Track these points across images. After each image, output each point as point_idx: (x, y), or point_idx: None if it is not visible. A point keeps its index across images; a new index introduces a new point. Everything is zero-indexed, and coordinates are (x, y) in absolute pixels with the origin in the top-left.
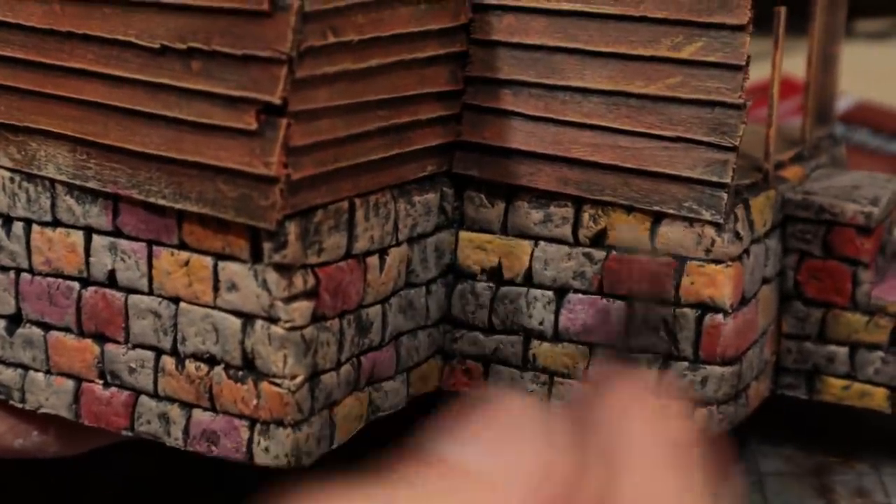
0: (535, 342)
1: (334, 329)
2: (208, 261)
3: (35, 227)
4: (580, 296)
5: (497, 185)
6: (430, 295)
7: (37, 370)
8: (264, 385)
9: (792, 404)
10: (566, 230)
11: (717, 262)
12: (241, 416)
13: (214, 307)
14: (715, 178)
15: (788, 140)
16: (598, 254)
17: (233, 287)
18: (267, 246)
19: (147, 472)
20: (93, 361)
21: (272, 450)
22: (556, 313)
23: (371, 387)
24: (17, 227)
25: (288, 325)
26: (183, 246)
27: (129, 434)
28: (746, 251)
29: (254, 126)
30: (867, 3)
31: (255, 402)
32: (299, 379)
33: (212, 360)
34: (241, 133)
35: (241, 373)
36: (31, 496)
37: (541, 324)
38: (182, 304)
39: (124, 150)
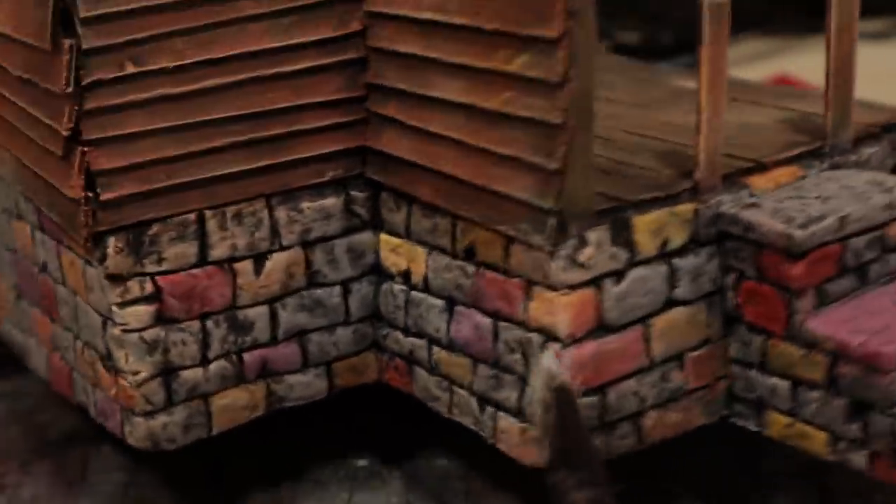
0: (436, 348)
1: (192, 329)
2: (80, 263)
3: (13, 220)
4: (462, 308)
5: (400, 191)
6: (350, 294)
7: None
8: (119, 377)
9: None
10: (447, 241)
11: (554, 288)
12: (114, 401)
13: (88, 303)
14: (540, 202)
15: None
16: (470, 268)
17: (92, 288)
18: (96, 257)
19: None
20: (50, 336)
21: (134, 433)
22: (448, 322)
23: (269, 379)
24: (2, 218)
25: (122, 328)
26: (69, 247)
27: (75, 402)
28: (605, 276)
29: (60, 153)
30: (867, 3)
31: (114, 390)
32: (141, 375)
33: (95, 349)
34: (58, 158)
35: (108, 363)
36: None
37: (437, 331)
38: (77, 297)
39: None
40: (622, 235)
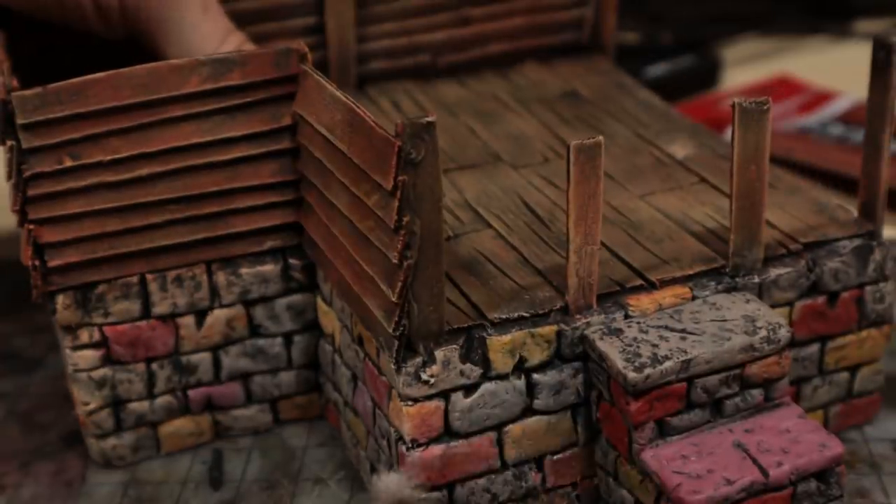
0: (347, 410)
1: (138, 370)
2: None
3: None
4: (361, 384)
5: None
6: (293, 344)
7: None
8: (76, 406)
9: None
10: (349, 323)
11: (400, 398)
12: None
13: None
14: (386, 325)
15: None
16: (361, 353)
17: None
18: (49, 311)
19: None
20: None
21: (92, 450)
22: (353, 391)
23: (215, 412)
24: None
25: (74, 367)
26: None
27: None
28: (453, 390)
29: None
30: (867, 3)
31: (77, 415)
32: (90, 406)
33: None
34: None
35: None
36: None
37: (347, 396)
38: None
39: None
40: (476, 353)
